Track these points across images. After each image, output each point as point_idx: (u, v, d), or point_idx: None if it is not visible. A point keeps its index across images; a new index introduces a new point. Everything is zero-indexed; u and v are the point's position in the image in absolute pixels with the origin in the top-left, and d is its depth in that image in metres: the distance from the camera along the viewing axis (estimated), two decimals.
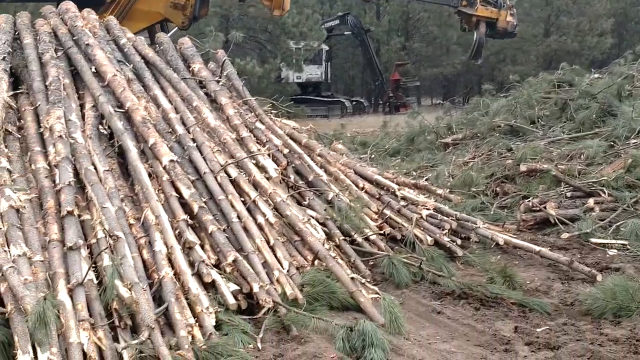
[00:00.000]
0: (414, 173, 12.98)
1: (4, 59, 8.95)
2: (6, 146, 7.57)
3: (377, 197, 9.17)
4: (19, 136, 7.99)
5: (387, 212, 8.83)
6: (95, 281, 5.76)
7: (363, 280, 7.14)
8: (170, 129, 8.58)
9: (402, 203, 9.03)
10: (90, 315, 5.44)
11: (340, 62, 43.54)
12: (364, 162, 12.45)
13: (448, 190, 10.48)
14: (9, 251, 5.76)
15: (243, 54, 34.14)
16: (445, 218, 8.77)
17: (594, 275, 7.47)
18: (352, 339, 5.72)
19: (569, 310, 6.77)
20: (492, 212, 10.18)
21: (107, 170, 7.47)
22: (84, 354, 4.98)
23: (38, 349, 4.77)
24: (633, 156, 10.44)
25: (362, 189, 9.21)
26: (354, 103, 37.15)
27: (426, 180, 11.48)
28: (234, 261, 6.66)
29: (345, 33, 38.45)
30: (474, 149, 13.43)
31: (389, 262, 7.58)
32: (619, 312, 6.43)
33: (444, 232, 8.58)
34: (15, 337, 4.87)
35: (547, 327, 6.31)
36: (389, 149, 15.88)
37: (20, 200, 6.55)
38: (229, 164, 8.07)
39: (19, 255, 5.72)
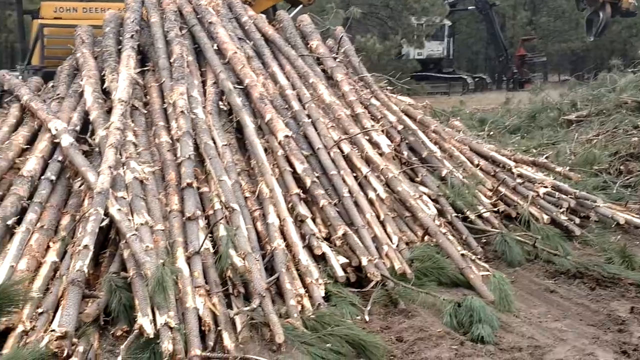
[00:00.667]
0: (534, 151, 12.55)
1: (132, 37, 9.35)
2: (133, 121, 7.94)
3: (492, 174, 9.12)
4: (145, 111, 8.36)
5: (502, 189, 8.74)
6: (212, 250, 6.04)
7: (473, 257, 7.13)
8: (287, 105, 8.77)
9: (518, 180, 8.93)
10: (206, 282, 5.74)
11: (463, 37, 42.85)
12: (480, 139, 12.37)
13: (568, 168, 10.27)
14: (133, 220, 6.10)
15: (364, 30, 34.13)
16: (564, 196, 8.62)
17: None
18: (459, 314, 5.77)
19: None
20: (614, 191, 9.88)
21: (226, 145, 7.73)
22: (199, 319, 5.24)
23: (157, 312, 5.04)
24: None
25: (477, 165, 9.16)
26: (476, 79, 36.59)
27: (546, 158, 11.25)
28: (344, 235, 6.81)
29: (469, 8, 37.88)
30: (599, 126, 12.99)
31: (501, 240, 7.52)
32: None
33: (562, 210, 8.42)
34: (136, 301, 5.17)
35: None
36: (509, 126, 15.57)
37: (144, 172, 6.89)
38: (342, 139, 8.21)
39: (142, 224, 6.05)
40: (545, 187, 8.74)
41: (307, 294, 6.03)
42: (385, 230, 7.15)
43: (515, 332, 5.72)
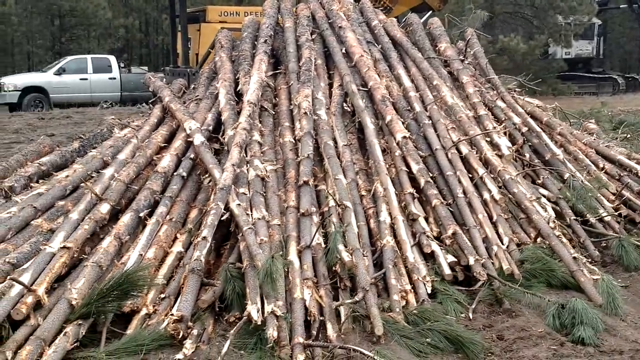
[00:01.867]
0: None
1: (265, 41, 9.80)
2: (260, 121, 8.34)
3: (617, 177, 8.97)
4: (273, 112, 8.74)
5: (626, 193, 8.59)
6: (322, 245, 6.29)
7: (584, 260, 7.06)
8: (409, 107, 8.92)
9: None
10: (315, 275, 6.00)
11: (615, 36, 41.42)
12: (614, 142, 12.09)
13: None
14: (251, 214, 6.44)
15: (509, 30, 33.75)
16: None
17: None
18: (562, 315, 5.79)
19: None
20: None
21: (346, 145, 7.98)
22: (305, 309, 5.51)
23: (265, 301, 5.36)
24: None
25: (602, 169, 9.02)
26: (628, 79, 35.33)
27: None
28: (454, 234, 6.92)
29: (621, 6, 36.66)
30: None
31: (618, 244, 7.43)
32: None
33: None
34: (247, 290, 5.51)
35: None
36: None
37: (266, 170, 7.25)
38: (461, 140, 8.30)
39: (259, 219, 6.38)
40: None
41: (412, 291, 6.18)
42: (497, 231, 7.19)
43: (619, 336, 5.70)
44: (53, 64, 30.60)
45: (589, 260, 7.28)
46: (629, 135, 13.86)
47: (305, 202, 6.71)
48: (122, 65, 28.57)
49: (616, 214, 8.27)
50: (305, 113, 8.09)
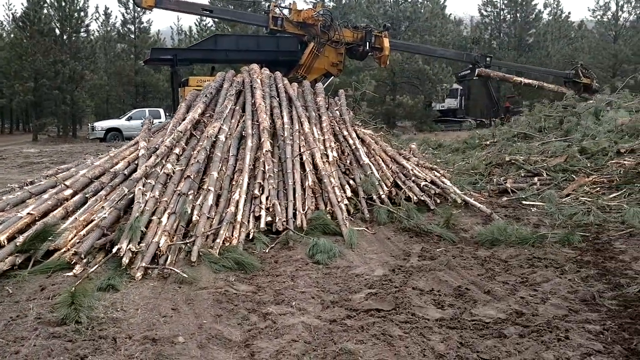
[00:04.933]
0: (454, 160, 12.36)
1: (206, 95, 10.08)
2: (187, 142, 8.47)
3: (397, 173, 8.83)
4: (198, 137, 8.85)
5: (398, 181, 8.62)
6: (189, 212, 6.41)
7: (349, 219, 7.19)
8: (283, 134, 9.03)
9: (413, 178, 8.75)
10: (175, 230, 6.08)
11: (474, 96, 41.45)
12: (424, 155, 12.27)
13: (456, 171, 10.17)
14: (148, 195, 6.54)
15: (404, 92, 34.06)
16: (434, 187, 8.46)
17: (493, 217, 7.23)
18: (312, 249, 5.88)
19: (468, 240, 6.51)
20: (478, 185, 9.67)
21: (233, 155, 8.13)
22: (158, 247, 5.53)
23: (130, 242, 5.41)
24: (570, 152, 9.66)
25: (390, 168, 8.98)
26: (477, 122, 35.45)
27: (453, 165, 11.12)
28: (273, 205, 6.98)
29: (474, 78, 36.81)
30: (491, 149, 12.55)
31: (377, 210, 7.56)
32: (494, 243, 6.21)
33: (431, 195, 8.23)
34: (122, 236, 5.48)
35: (444, 249, 6.14)
36: (452, 147, 14.98)
37: (173, 170, 7.32)
38: (303, 152, 8.49)
39: (151, 197, 6.43)
40: (426, 180, 8.56)
41: (238, 237, 6.17)
42: (303, 203, 7.32)
43: (344, 259, 5.80)
44: (125, 113, 30.77)
45: (363, 219, 7.40)
46: (434, 152, 14.03)
47: (185, 188, 6.82)
48: (167, 114, 28.68)
49: (386, 192, 8.14)
50: (207, 137, 8.29)
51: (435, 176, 9.13)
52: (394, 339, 3.79)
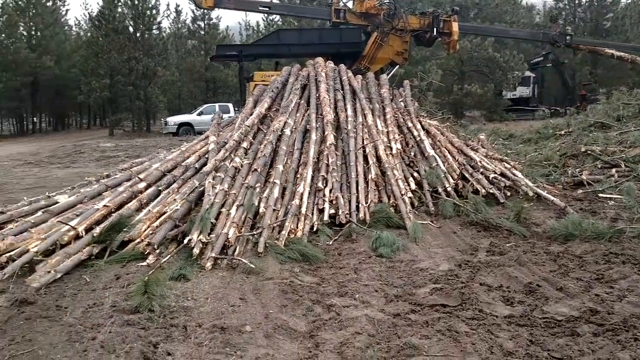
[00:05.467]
0: (526, 151, 11.92)
1: (272, 90, 10.30)
2: (254, 137, 8.66)
3: (463, 165, 8.60)
4: (265, 131, 8.99)
5: (466, 174, 8.38)
6: (255, 205, 6.55)
7: (413, 211, 7.11)
8: (346, 126, 9.07)
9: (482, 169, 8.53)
10: (244, 221, 6.22)
11: (547, 84, 39.78)
12: (493, 145, 11.93)
13: (529, 162, 9.83)
14: (217, 187, 6.73)
15: (472, 81, 33.18)
16: (504, 179, 8.22)
17: (567, 211, 6.92)
18: (375, 242, 5.87)
19: (540, 235, 6.28)
20: (552, 177, 9.30)
21: (298, 149, 8.25)
22: (227, 239, 5.67)
23: (201, 234, 5.57)
24: None
25: (456, 160, 8.77)
26: (552, 110, 34.02)
27: (525, 156, 10.76)
28: (336, 198, 7.03)
29: (547, 65, 35.34)
30: (567, 139, 11.99)
31: (442, 203, 7.39)
32: (568, 237, 5.97)
33: (500, 187, 7.98)
34: (192, 227, 5.69)
35: (514, 244, 5.96)
36: (524, 138, 14.48)
37: (242, 164, 7.52)
38: (366, 144, 8.48)
39: (220, 190, 6.59)
40: (495, 172, 8.33)
41: (302, 229, 6.25)
42: (367, 196, 7.32)
43: (408, 253, 5.75)
44: (196, 108, 31.71)
45: (427, 212, 7.29)
46: (508, 142, 13.62)
47: (252, 181, 6.97)
48: (236, 108, 29.31)
49: (453, 185, 7.97)
50: (273, 131, 8.42)
51: (505, 168, 8.88)
52: (460, 335, 3.73)
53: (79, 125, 50.27)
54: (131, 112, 35.50)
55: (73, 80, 38.46)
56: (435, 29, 22.69)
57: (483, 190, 7.86)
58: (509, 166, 8.99)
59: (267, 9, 25.60)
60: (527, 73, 33.93)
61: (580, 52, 30.77)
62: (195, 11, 40.86)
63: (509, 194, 7.99)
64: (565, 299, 4.30)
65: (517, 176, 8.39)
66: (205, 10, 34.94)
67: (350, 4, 23.34)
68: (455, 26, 23.23)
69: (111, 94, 33.51)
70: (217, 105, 29.88)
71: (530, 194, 7.82)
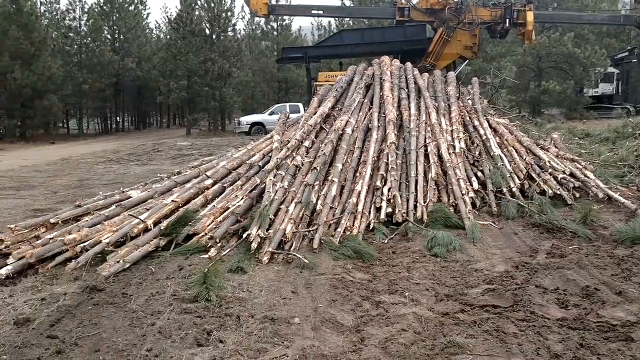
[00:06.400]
0: (602, 150, 11.34)
1: (336, 90, 10.45)
2: (316, 136, 8.82)
3: (531, 164, 8.40)
4: (327, 130, 9.13)
5: (533, 174, 8.17)
6: (313, 202, 6.69)
7: (472, 211, 7.00)
8: (409, 125, 9.08)
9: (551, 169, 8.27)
10: (301, 218, 6.38)
11: (633, 80, 37.58)
12: (567, 145, 11.50)
13: (602, 163, 9.40)
14: (278, 185, 6.93)
15: (550, 77, 31.89)
16: (572, 179, 7.98)
17: (638, 214, 6.58)
18: (430, 241, 5.85)
19: (606, 238, 6.02)
20: (626, 178, 8.84)
21: (358, 147, 8.36)
22: (284, 234, 5.87)
23: (260, 229, 5.79)
24: None
25: (524, 159, 8.57)
26: (637, 108, 32.14)
27: (599, 156, 10.29)
28: (394, 196, 7.02)
29: (633, 61, 33.39)
30: None
31: (505, 204, 7.24)
32: (635, 241, 5.70)
33: (569, 188, 7.75)
34: (252, 223, 5.86)
35: (577, 246, 5.76)
36: (601, 137, 13.79)
37: (302, 163, 7.66)
38: (428, 143, 8.44)
39: (280, 187, 6.78)
40: (564, 173, 8.08)
41: (358, 227, 6.33)
42: (425, 195, 7.29)
43: (465, 253, 5.69)
44: (268, 108, 32.42)
45: (490, 213, 7.17)
46: (582, 142, 13.06)
47: (311, 179, 7.12)
48: (306, 108, 29.60)
49: (518, 185, 7.81)
50: (335, 130, 8.54)
51: (577, 168, 8.57)
52: (507, 336, 3.70)
53: (159, 124, 52.62)
54: (207, 112, 36.73)
55: (153, 81, 40.29)
56: (508, 19, 21.90)
57: (550, 191, 7.66)
58: (580, 166, 8.66)
59: (320, 12, 25.74)
60: (610, 69, 32.23)
61: None
62: None
63: (578, 195, 7.72)
64: (623, 303, 4.15)
65: (588, 177, 8.09)
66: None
67: (414, 1, 23.11)
68: (530, 15, 22.30)
69: (188, 94, 34.81)
70: (287, 105, 30.36)
71: (601, 195, 7.53)
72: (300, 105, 30.49)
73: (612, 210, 7.12)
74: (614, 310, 4.04)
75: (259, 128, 29.50)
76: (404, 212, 6.79)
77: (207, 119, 37.38)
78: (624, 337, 3.62)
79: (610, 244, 5.82)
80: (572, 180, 7.95)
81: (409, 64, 12.27)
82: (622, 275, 4.81)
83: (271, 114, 30.12)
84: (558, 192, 7.60)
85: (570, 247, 5.76)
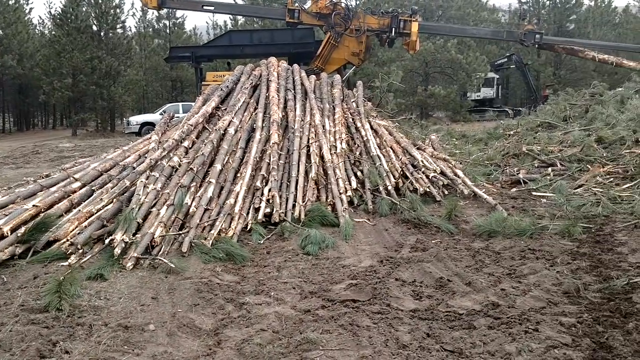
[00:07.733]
0: (472, 150, 12.04)
1: (221, 89, 10.27)
2: (198, 136, 8.62)
3: (406, 163, 8.71)
4: (210, 130, 8.99)
5: (407, 172, 8.49)
6: (188, 204, 6.53)
7: (349, 209, 7.18)
8: (293, 126, 9.09)
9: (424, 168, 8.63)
10: (173, 221, 6.22)
11: (512, 85, 40.51)
12: (444, 145, 12.08)
13: (471, 162, 10.00)
14: (150, 187, 6.69)
15: (435, 82, 33.58)
16: (442, 178, 8.39)
17: (497, 209, 7.05)
18: (304, 240, 5.91)
19: (467, 232, 6.38)
20: (492, 176, 9.44)
21: (241, 147, 8.26)
22: (153, 238, 5.73)
23: (125, 234, 5.59)
24: (587, 142, 9.35)
25: (400, 159, 8.87)
26: (515, 111, 34.53)
27: (469, 155, 10.96)
28: (272, 196, 7.03)
29: (511, 66, 35.91)
30: (513, 139, 12.16)
31: (379, 201, 7.50)
32: (491, 234, 6.10)
33: (439, 186, 8.14)
34: (117, 227, 5.69)
35: (439, 240, 6.06)
36: (475, 138, 14.57)
37: (179, 163, 7.48)
38: (310, 144, 8.52)
39: (152, 189, 6.59)
40: (435, 171, 8.48)
41: (235, 228, 6.28)
42: (304, 195, 7.37)
43: (336, 250, 5.76)
44: (159, 108, 31.43)
45: (366, 210, 7.35)
46: (456, 142, 13.80)
47: (187, 180, 6.93)
48: None
49: (393, 184, 8.06)
50: (217, 130, 8.40)
51: (448, 167, 9.02)
52: (360, 329, 3.80)
53: (44, 125, 49.28)
54: (95, 111, 34.94)
55: (36, 80, 37.68)
56: (394, 29, 22.56)
57: (421, 189, 7.96)
58: (450, 165, 9.13)
59: (211, 8, 25.37)
60: (491, 74, 34.49)
61: (556, 52, 29.94)
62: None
63: (447, 192, 8.10)
64: (471, 293, 4.42)
65: (457, 175, 8.53)
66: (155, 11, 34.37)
67: (307, 4, 23.33)
68: (415, 26, 23.01)
69: (74, 93, 32.92)
70: (180, 104, 29.60)
71: (466, 192, 7.95)
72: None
73: (476, 206, 7.55)
74: (462, 300, 4.28)
75: (149, 128, 28.44)
76: (282, 212, 6.79)
77: (94, 119, 35.51)
78: (467, 325, 3.84)
79: (469, 238, 6.18)
80: (442, 178, 8.34)
81: (296, 66, 12.33)
82: (474, 266, 5.12)
83: (162, 113, 29.20)
84: (428, 190, 7.95)
85: (433, 241, 6.04)
